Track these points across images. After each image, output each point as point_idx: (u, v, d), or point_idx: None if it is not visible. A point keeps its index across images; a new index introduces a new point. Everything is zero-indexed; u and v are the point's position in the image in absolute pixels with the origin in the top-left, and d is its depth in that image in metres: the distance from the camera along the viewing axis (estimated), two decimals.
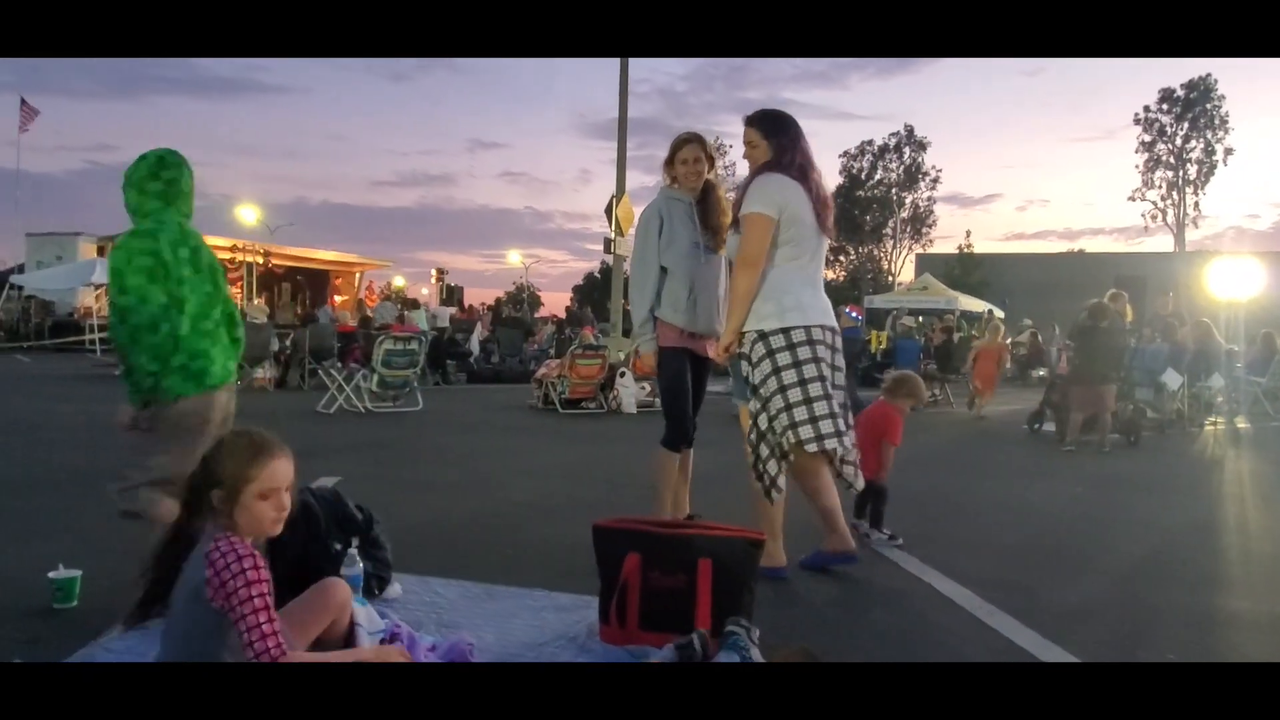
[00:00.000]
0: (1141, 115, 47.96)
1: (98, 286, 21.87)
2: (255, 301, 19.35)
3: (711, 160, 4.08)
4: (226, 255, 24.86)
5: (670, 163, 4.08)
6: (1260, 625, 3.31)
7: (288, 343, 12.73)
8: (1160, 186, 48.00)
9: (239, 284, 25.09)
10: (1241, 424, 11.28)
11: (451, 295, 27.13)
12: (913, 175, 53.21)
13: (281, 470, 2.17)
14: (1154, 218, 48.34)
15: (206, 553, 2.01)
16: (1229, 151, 46.77)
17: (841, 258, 52.42)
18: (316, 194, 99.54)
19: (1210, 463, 8.12)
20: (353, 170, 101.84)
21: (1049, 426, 9.30)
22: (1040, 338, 21.81)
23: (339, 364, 11.16)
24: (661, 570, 2.82)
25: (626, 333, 14.99)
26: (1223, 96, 46.52)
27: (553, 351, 15.53)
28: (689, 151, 4.02)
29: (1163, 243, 47.99)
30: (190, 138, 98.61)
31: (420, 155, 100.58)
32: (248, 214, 30.31)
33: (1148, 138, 47.88)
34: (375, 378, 9.73)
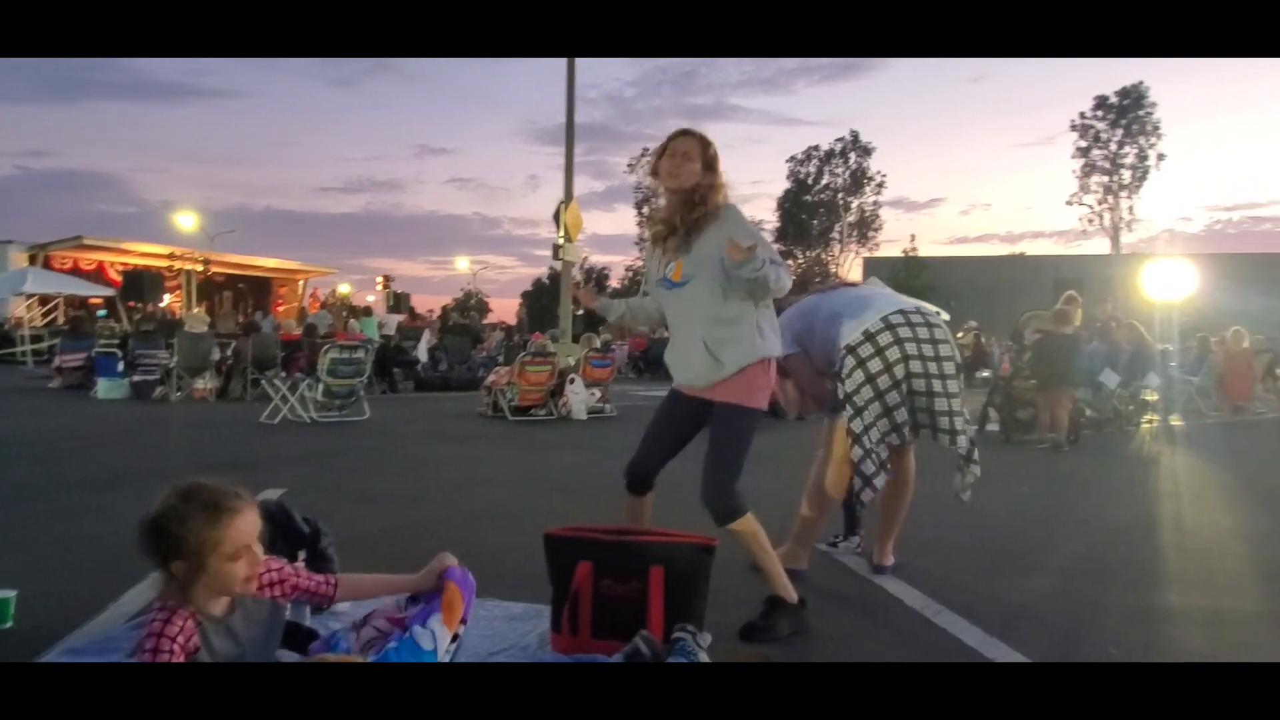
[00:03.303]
0: (1077, 121, 49.27)
1: (29, 296, 21.22)
2: (195, 310, 18.88)
3: (710, 164, 3.14)
4: (164, 263, 24.34)
5: (659, 156, 3.20)
6: (1195, 619, 3.41)
7: (229, 352, 12.45)
8: (1097, 191, 49.32)
9: (177, 292, 24.54)
10: (1176, 422, 11.64)
11: (399, 302, 26.78)
12: (858, 180, 53.96)
13: (247, 524, 2.01)
14: (1091, 221, 49.66)
15: (143, 622, 1.98)
16: (1161, 157, 48.23)
17: (790, 261, 52.94)
18: (260, 200, 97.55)
19: (1147, 460, 8.36)
20: (297, 176, 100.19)
21: (992, 427, 9.49)
22: (984, 339, 22.28)
23: (283, 373, 10.94)
24: (613, 578, 2.81)
25: (576, 338, 14.95)
26: (1154, 103, 47.99)
27: (501, 359, 15.41)
28: (677, 144, 3.14)
29: (1100, 245, 49.36)
30: (130, 143, 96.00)
31: (367, 161, 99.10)
32: (186, 220, 29.62)
33: (1084, 143, 49.17)
34: (320, 387, 9.57)
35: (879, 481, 3.55)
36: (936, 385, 3.55)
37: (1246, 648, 3.13)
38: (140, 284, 21.24)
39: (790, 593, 3.12)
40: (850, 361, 3.56)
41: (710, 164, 3.13)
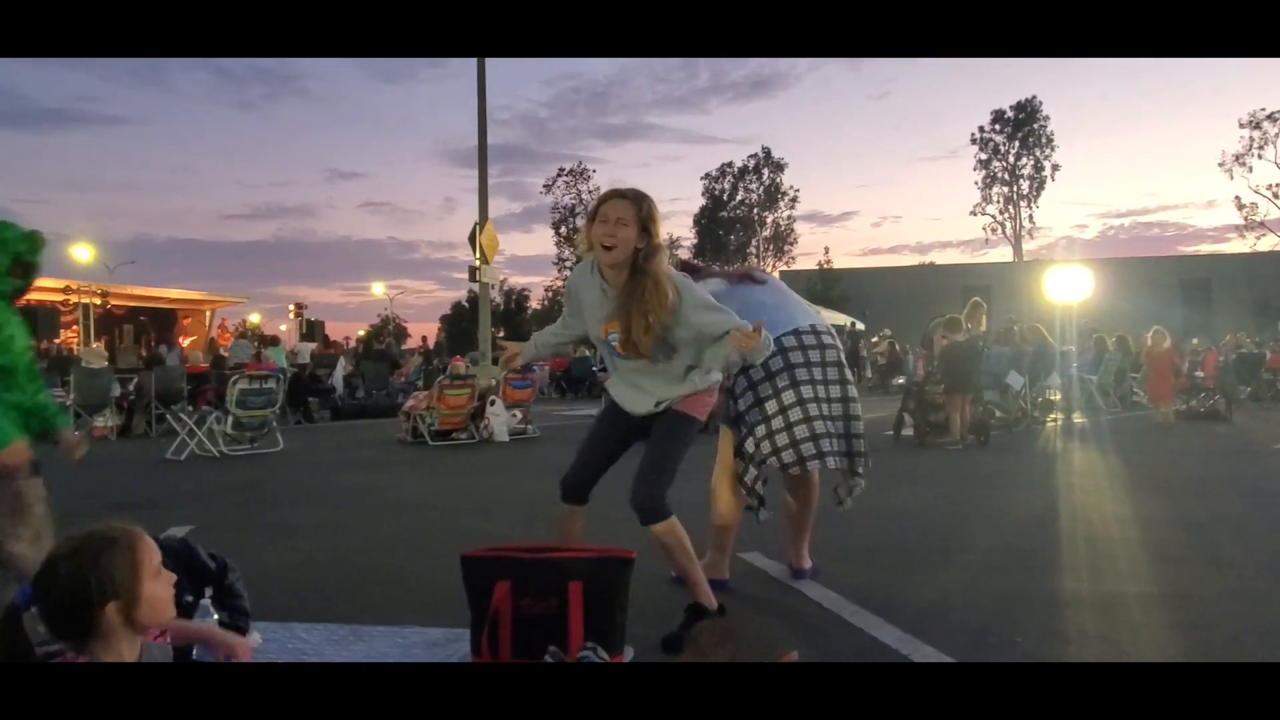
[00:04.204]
0: (977, 135, 51.22)
1: None
2: (93, 345, 18.11)
3: (645, 225, 2.99)
4: (59, 298, 23.32)
5: (591, 220, 3.07)
6: (1097, 604, 3.57)
7: (131, 388, 11.97)
8: (998, 201, 51.29)
9: (74, 327, 23.51)
10: (1078, 419, 12.16)
11: (311, 330, 26.16)
12: (772, 195, 54.97)
13: (149, 540, 1.93)
14: (994, 230, 51.60)
15: None
16: (1056, 167, 50.52)
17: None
18: (161, 230, 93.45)
19: (1051, 456, 8.71)
20: (201, 204, 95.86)
21: (907, 431, 9.75)
22: (898, 347, 22.92)
23: (189, 407, 10.58)
24: (532, 596, 2.79)
25: (495, 360, 14.83)
26: (1047, 117, 50.28)
27: (421, 383, 15.19)
28: (609, 209, 3.00)
29: (1003, 253, 51.33)
30: (14, 173, 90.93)
31: (274, 187, 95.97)
32: (82, 253, 28.42)
33: (984, 156, 51.11)
34: (230, 419, 9.27)
35: (760, 488, 3.67)
36: (825, 409, 3.59)
37: (1140, 627, 3.28)
38: (34, 319, 20.27)
39: (711, 600, 3.15)
40: (743, 382, 3.62)
41: (646, 225, 2.98)
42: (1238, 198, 45.19)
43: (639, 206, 2.99)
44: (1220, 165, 44.82)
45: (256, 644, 3.13)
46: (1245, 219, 45.20)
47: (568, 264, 51.86)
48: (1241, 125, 44.04)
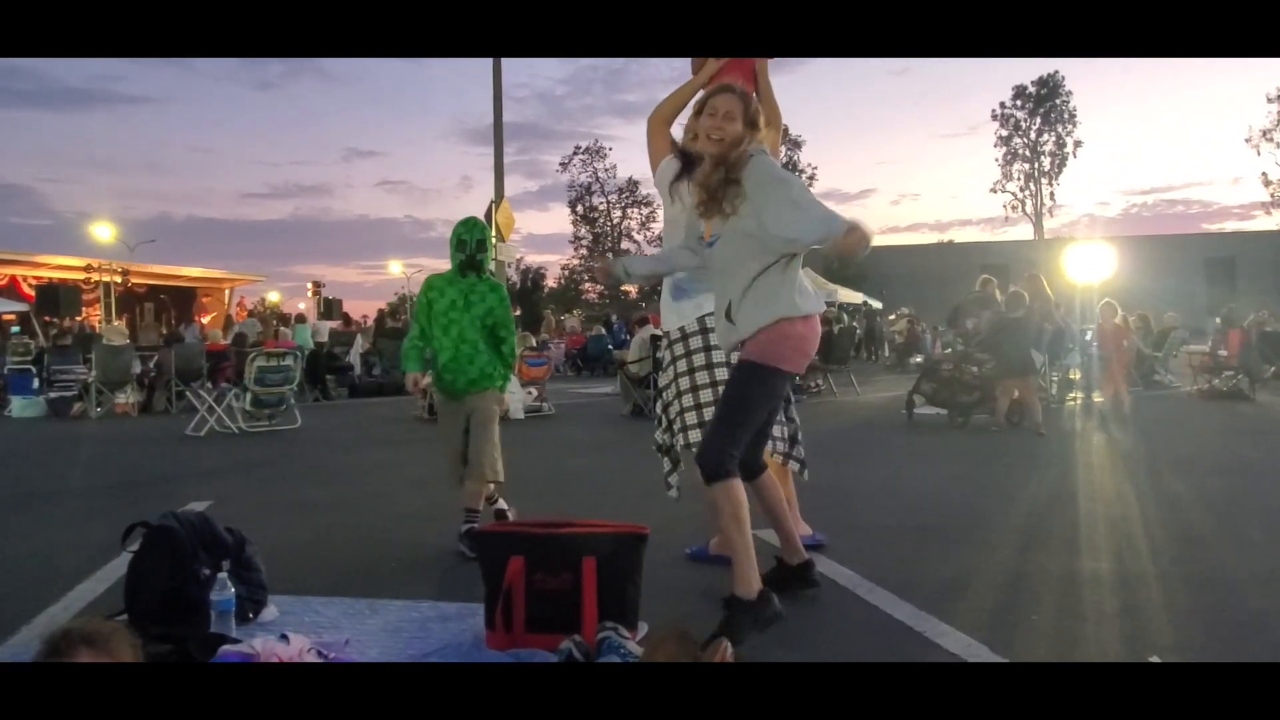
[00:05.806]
0: (998, 111, 50.57)
1: None
2: (114, 323, 18.26)
3: (753, 122, 3.02)
4: (81, 276, 23.53)
5: (698, 114, 3.13)
6: (1117, 584, 3.53)
7: (151, 365, 12.06)
8: (1018, 178, 50.72)
9: (96, 305, 23.73)
10: (1097, 398, 12.03)
11: (330, 309, 26.26)
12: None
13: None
14: (1014, 208, 51.05)
15: None
16: (1078, 144, 49.82)
17: None
18: (181, 209, 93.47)
19: (1070, 435, 8.63)
20: (220, 183, 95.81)
21: (922, 410, 9.66)
22: (917, 325, 22.76)
23: (209, 384, 10.65)
24: (545, 571, 2.79)
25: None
26: (1070, 92, 49.56)
27: None
28: (718, 102, 3.03)
29: (1024, 231, 50.78)
30: (38, 153, 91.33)
31: (293, 166, 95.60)
32: (103, 231, 28.58)
33: (1004, 132, 50.49)
34: (248, 396, 9.33)
35: (672, 479, 3.72)
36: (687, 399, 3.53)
37: (1160, 607, 3.24)
38: (56, 298, 20.48)
39: (748, 588, 2.86)
40: (666, 356, 3.64)
41: (753, 122, 2.98)
42: (1264, 174, 44.50)
43: (747, 104, 3.01)
44: (1247, 141, 44.13)
45: (273, 617, 3.15)
46: (1272, 196, 44.48)
47: (584, 242, 51.78)
48: (1269, 100, 43.31)
